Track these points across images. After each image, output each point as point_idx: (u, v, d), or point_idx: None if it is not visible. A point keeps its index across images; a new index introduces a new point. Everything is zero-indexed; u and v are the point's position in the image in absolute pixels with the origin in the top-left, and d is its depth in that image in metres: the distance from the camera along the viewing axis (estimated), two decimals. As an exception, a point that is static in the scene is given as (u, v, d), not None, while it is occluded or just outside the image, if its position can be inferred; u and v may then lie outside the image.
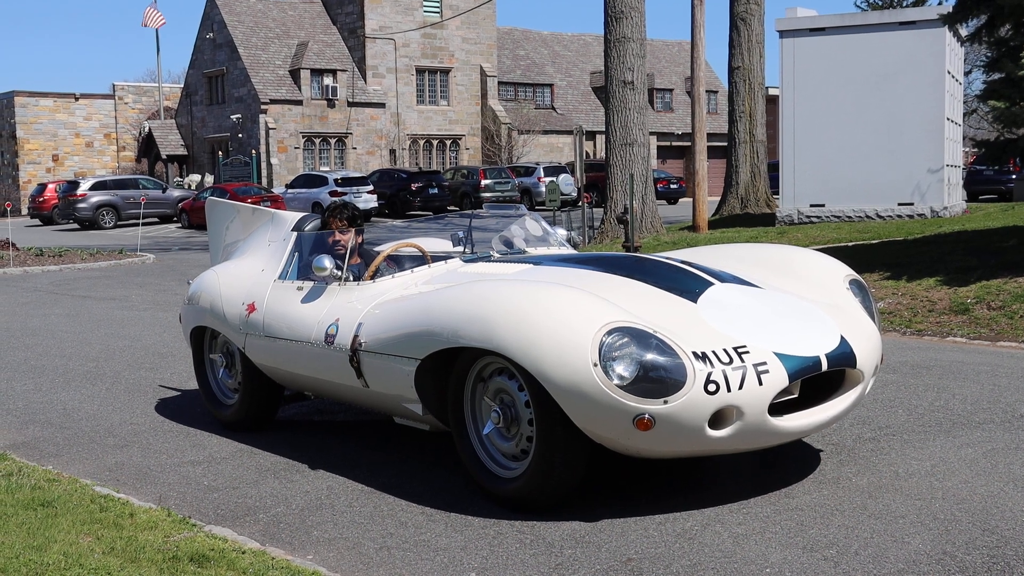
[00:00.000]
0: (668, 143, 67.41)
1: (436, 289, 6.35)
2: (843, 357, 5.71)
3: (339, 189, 41.54)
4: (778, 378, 5.35)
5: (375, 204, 42.09)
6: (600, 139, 57.24)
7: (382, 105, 60.37)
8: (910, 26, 23.71)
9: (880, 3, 63.09)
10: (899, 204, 23.80)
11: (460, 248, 7.71)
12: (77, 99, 63.60)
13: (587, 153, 56.43)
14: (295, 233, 7.69)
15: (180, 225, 43.13)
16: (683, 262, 6.52)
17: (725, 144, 32.82)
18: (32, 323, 14.37)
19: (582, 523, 5.45)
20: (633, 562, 4.88)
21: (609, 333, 5.16)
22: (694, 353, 5.24)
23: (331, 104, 58.57)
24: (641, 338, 5.19)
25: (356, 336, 6.34)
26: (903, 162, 23.40)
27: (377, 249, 7.32)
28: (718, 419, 5.22)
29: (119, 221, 43.64)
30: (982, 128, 45.24)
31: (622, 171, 24.14)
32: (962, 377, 8.63)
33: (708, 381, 5.15)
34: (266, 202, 38.41)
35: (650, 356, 5.14)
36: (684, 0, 28.51)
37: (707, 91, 48.67)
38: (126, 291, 18.71)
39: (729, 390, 5.19)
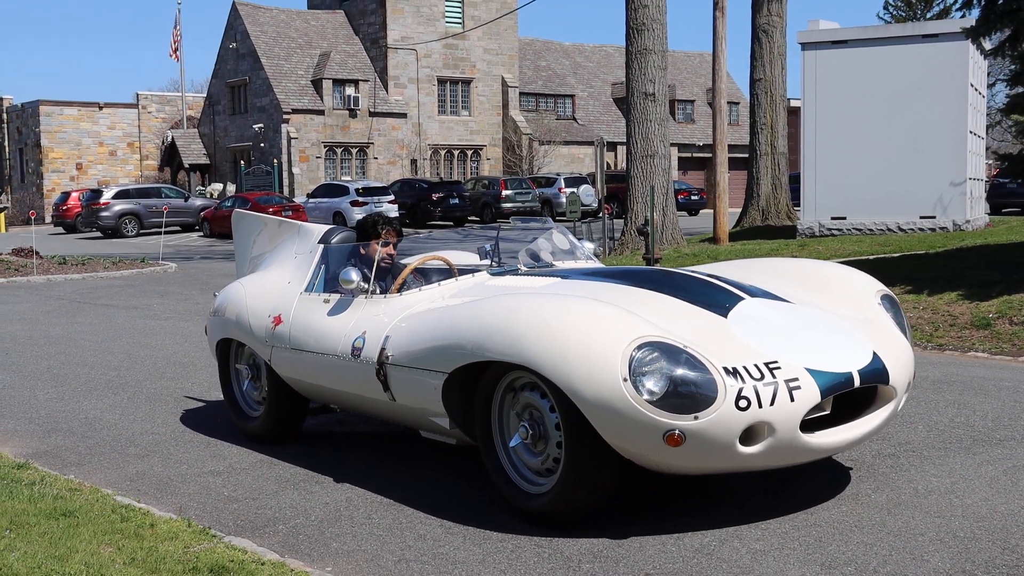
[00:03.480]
0: (689, 154, 67.41)
1: (463, 302, 6.27)
2: (876, 373, 5.63)
3: (360, 199, 41.64)
4: (810, 394, 5.27)
5: (396, 214, 42.18)
6: (621, 150, 57.12)
7: (403, 115, 60.54)
8: (933, 39, 23.67)
9: (903, 16, 63.09)
10: (921, 217, 23.75)
11: (487, 261, 7.60)
12: (101, 108, 64.06)
13: (608, 164, 56.42)
14: (322, 245, 7.65)
15: (202, 234, 43.25)
16: (712, 276, 6.44)
17: (746, 156, 32.78)
18: (54, 332, 14.45)
19: (601, 538, 5.44)
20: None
21: (639, 348, 5.09)
22: (725, 368, 5.17)
23: (353, 114, 58.78)
24: (671, 353, 5.12)
25: (383, 349, 6.28)
26: (925, 175, 23.33)
27: (404, 262, 7.24)
28: (749, 435, 5.14)
29: (141, 230, 43.90)
30: (1005, 141, 45.12)
31: (643, 182, 24.14)
32: (983, 393, 8.60)
33: (739, 397, 5.08)
34: (287, 211, 38.65)
35: (680, 371, 5.07)
36: (706, 12, 28.48)
37: (728, 103, 48.70)
38: (148, 300, 18.80)
39: (760, 406, 5.11)
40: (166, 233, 36.77)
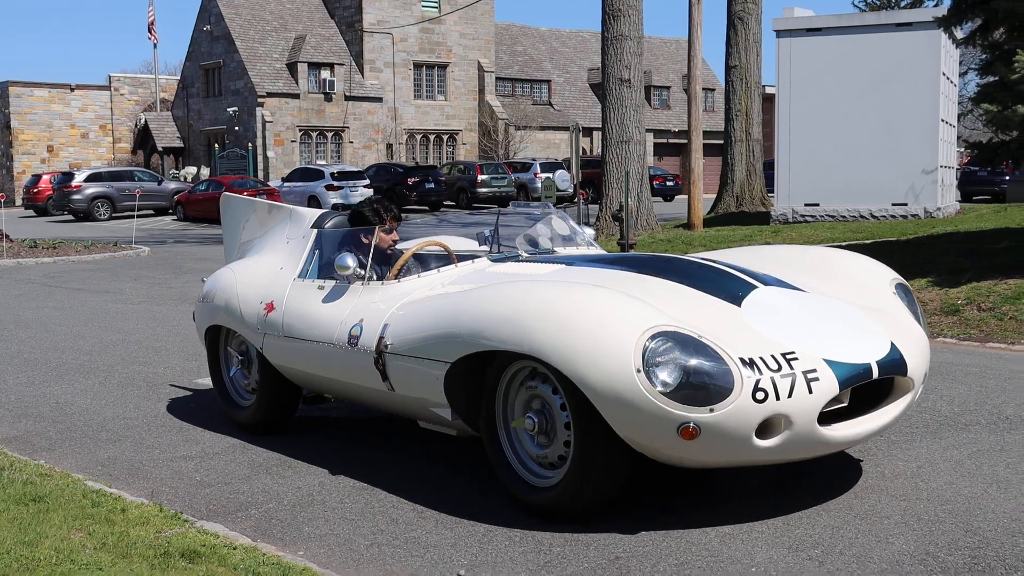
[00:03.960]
0: (664, 140, 67.48)
1: (465, 289, 6.02)
2: (894, 364, 5.46)
3: (335, 183, 41.57)
4: (828, 386, 5.08)
5: (266, 200, 41.86)
6: (597, 136, 57.16)
7: (379, 99, 60.40)
8: (906, 28, 23.78)
9: (877, 4, 63.22)
10: (893, 204, 23.87)
11: (486, 247, 7.42)
12: (72, 90, 63.50)
13: (584, 150, 56.48)
14: (315, 230, 7.39)
15: (176, 218, 43.05)
16: (723, 264, 6.23)
17: (721, 142, 32.88)
18: (25, 315, 14.38)
19: (571, 523, 5.44)
20: (620, 560, 4.91)
21: (652, 338, 4.86)
22: (741, 359, 4.96)
23: (328, 98, 58.63)
24: (686, 343, 4.90)
25: (382, 337, 6.03)
26: (897, 162, 23.46)
27: (400, 247, 7.00)
28: (766, 428, 4.94)
29: (114, 213, 43.62)
30: (977, 129, 45.36)
31: (618, 168, 24.18)
32: (950, 379, 8.67)
33: (756, 389, 4.87)
34: (262, 195, 38.46)
35: (695, 362, 4.85)
36: (681, -2, 28.45)
37: (704, 89, 48.69)
38: (120, 284, 18.70)
39: (778, 398, 4.90)
40: (139, 217, 36.58)
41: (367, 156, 58.54)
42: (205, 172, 55.82)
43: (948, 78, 25.06)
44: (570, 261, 6.54)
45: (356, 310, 6.41)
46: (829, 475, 6.09)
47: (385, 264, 6.72)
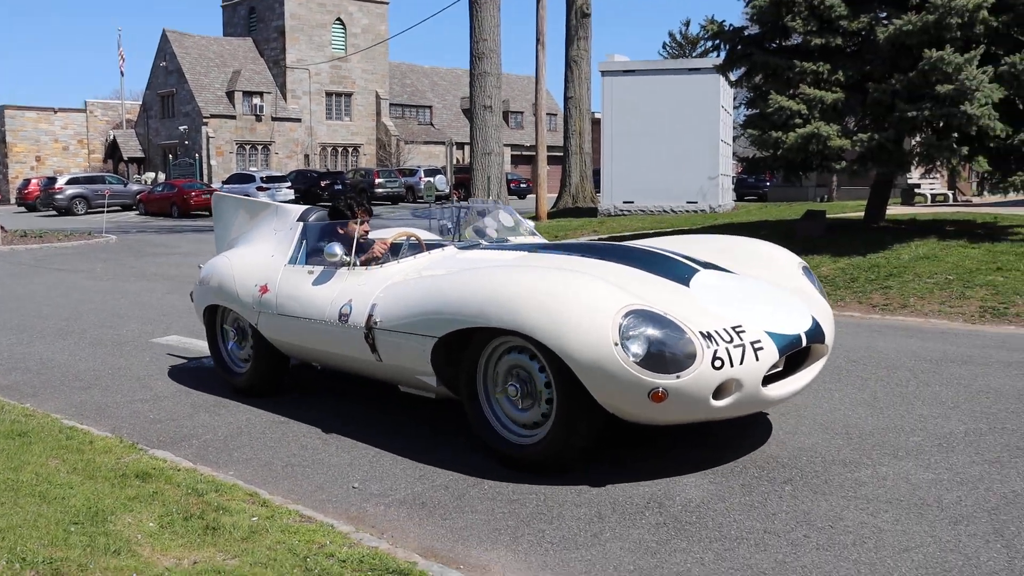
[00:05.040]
0: (519, 153, 67.57)
1: (446, 274, 5.50)
2: (816, 334, 5.13)
3: (264, 185, 40.73)
4: (771, 354, 4.73)
5: (292, 197, 41.43)
6: (467, 149, 57.19)
7: (299, 120, 59.46)
8: (696, 72, 24.29)
9: (677, 53, 64.12)
10: (687, 202, 24.39)
11: (448, 236, 6.80)
12: (56, 112, 61.14)
13: (457, 159, 56.13)
14: (301, 223, 6.80)
15: (138, 212, 41.79)
16: (666, 250, 5.78)
17: (561, 155, 33.09)
18: (17, 290, 13.85)
19: (446, 448, 5.47)
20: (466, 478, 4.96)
21: (626, 315, 4.47)
22: (701, 332, 4.56)
23: (259, 119, 57.60)
24: (655, 320, 4.51)
25: (370, 316, 5.54)
26: (690, 171, 23.96)
27: (379, 237, 6.53)
28: (720, 391, 4.56)
29: (89, 209, 42.10)
30: (746, 147, 46.50)
31: (483, 174, 24.26)
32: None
33: (715, 358, 4.50)
34: (206, 195, 37.87)
35: (663, 336, 4.46)
36: (533, 44, 28.88)
37: (548, 114, 49.03)
38: (92, 265, 18.11)
39: (732, 366, 4.54)
40: (108, 212, 35.43)
41: (289, 164, 57.55)
42: (162, 177, 54.27)
43: (726, 109, 25.67)
44: (530, 248, 6.05)
45: (344, 292, 5.91)
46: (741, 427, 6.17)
47: (364, 251, 6.24)
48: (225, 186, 42.99)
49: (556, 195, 32.32)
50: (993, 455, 5.03)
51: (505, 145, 32.70)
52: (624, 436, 5.41)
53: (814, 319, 5.21)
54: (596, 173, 31.21)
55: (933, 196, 28.10)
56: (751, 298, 5.15)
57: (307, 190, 43.87)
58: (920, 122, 12.91)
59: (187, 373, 7.79)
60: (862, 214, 16.94)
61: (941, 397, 6.28)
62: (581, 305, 4.55)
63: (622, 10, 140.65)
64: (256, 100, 57.36)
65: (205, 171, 54.04)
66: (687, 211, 24.28)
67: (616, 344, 4.40)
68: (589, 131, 31.61)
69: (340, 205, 6.71)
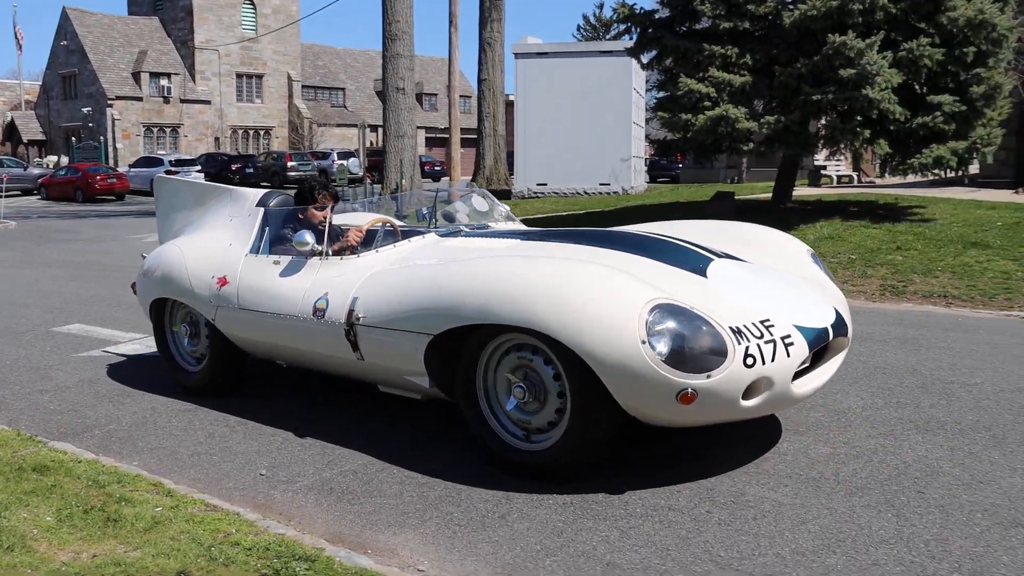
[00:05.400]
0: (434, 135, 67.36)
1: (437, 264, 4.95)
2: (841, 326, 4.80)
3: (173, 169, 39.84)
4: (801, 349, 4.35)
5: (203, 181, 40.61)
6: (381, 131, 56.83)
7: (208, 102, 58.30)
8: (608, 54, 24.48)
9: (590, 35, 64.50)
10: (600, 184, 24.62)
11: (425, 223, 6.14)
12: (-52, 91, 58.97)
13: (371, 142, 55.81)
14: (262, 208, 6.17)
15: (39, 197, 40.38)
16: (673, 237, 5.31)
17: (475, 137, 33.08)
18: (-91, 279, 13.33)
19: (357, 433, 5.43)
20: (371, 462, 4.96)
21: (652, 311, 4.02)
22: (731, 328, 4.15)
23: (166, 101, 56.31)
24: (683, 315, 4.07)
25: (352, 310, 5.00)
26: (603, 153, 24.19)
27: (352, 224, 5.99)
28: (750, 390, 4.16)
29: (-14, 194, 40.75)
30: (658, 130, 47.09)
31: (396, 156, 24.09)
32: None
33: (746, 355, 4.09)
34: (112, 179, 36.91)
35: (693, 332, 4.03)
36: (447, 26, 28.53)
37: (462, 96, 48.99)
38: (-8, 251, 17.55)
39: (763, 363, 4.14)
40: (7, 197, 34.22)
41: (199, 147, 56.39)
42: (64, 160, 52.65)
43: (638, 92, 25.93)
44: (522, 236, 5.50)
45: (319, 283, 5.34)
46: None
47: (336, 240, 5.68)
48: (132, 170, 42.00)
49: (470, 177, 32.32)
50: (887, 428, 5.21)
51: (419, 127, 32.54)
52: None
53: (836, 311, 4.87)
54: (511, 155, 31.31)
55: (839, 177, 28.81)
56: (773, 289, 4.74)
57: (217, 174, 43.06)
58: (824, 105, 13.23)
59: (90, 362, 7.57)
60: (770, 195, 17.30)
61: (840, 373, 6.47)
62: (602, 299, 4.09)
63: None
64: (164, 81, 56.02)
65: (111, 154, 52.64)
66: (600, 193, 24.50)
67: (643, 342, 3.96)
68: (503, 113, 31.66)
69: (304, 188, 6.11)
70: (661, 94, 15.12)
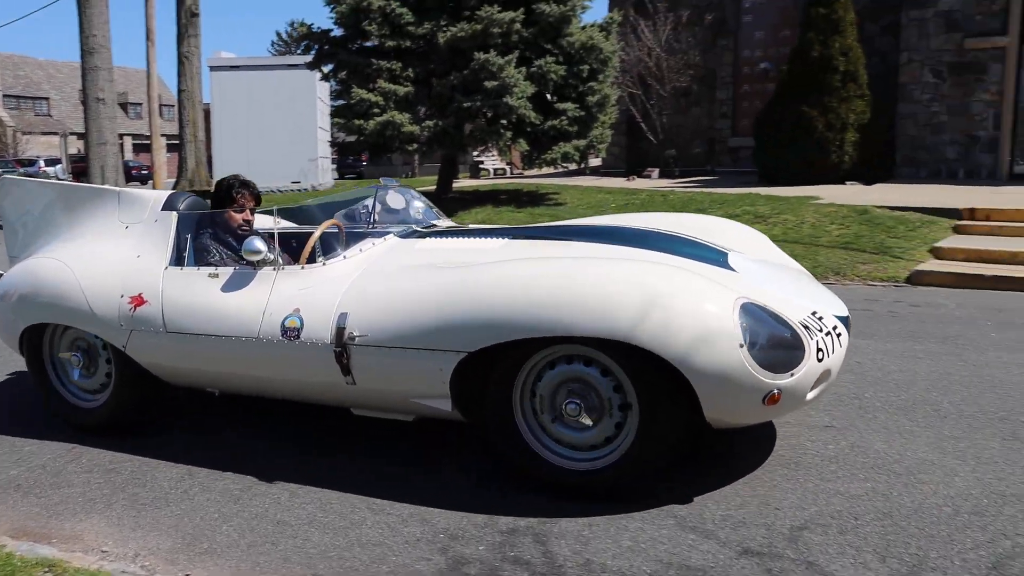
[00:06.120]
0: (140, 141, 62.30)
1: (454, 269, 3.68)
2: (847, 316, 4.03)
3: None
4: (846, 339, 3.70)
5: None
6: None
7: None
8: (295, 67, 23.92)
9: (283, 51, 62.50)
10: (292, 182, 24.04)
11: (364, 224, 4.56)
12: None
13: (78, 149, 50.90)
14: (173, 213, 4.52)
15: None
16: (678, 233, 4.39)
17: (178, 142, 31.02)
18: None
19: (42, 427, 4.83)
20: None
21: (740, 311, 3.26)
22: (801, 323, 3.45)
23: None
24: (763, 314, 3.34)
25: (343, 328, 3.66)
26: (292, 154, 23.66)
27: (303, 231, 4.69)
28: (816, 384, 3.45)
29: None
30: (339, 133, 46.91)
31: (98, 163, 22.02)
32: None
33: (818, 349, 3.40)
34: None
35: (776, 331, 3.31)
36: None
37: (164, 105, 45.78)
38: None
39: (829, 356, 3.47)
40: None
41: None
42: None
43: (323, 100, 25.47)
44: (511, 234, 4.32)
45: (282, 298, 3.91)
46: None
47: (292, 247, 4.51)
48: None
49: (175, 179, 30.30)
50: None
51: (125, 135, 30.06)
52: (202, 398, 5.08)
53: (837, 299, 4.15)
54: (211, 159, 29.66)
55: (495, 170, 29.83)
56: (791, 281, 4.05)
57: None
58: (474, 111, 13.59)
59: None
60: (435, 187, 17.56)
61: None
62: (692, 302, 3.24)
63: (235, 7, 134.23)
64: None
65: None
66: (292, 190, 23.92)
67: (742, 346, 3.19)
68: (202, 120, 29.77)
69: (222, 187, 4.58)
70: (339, 102, 14.93)
